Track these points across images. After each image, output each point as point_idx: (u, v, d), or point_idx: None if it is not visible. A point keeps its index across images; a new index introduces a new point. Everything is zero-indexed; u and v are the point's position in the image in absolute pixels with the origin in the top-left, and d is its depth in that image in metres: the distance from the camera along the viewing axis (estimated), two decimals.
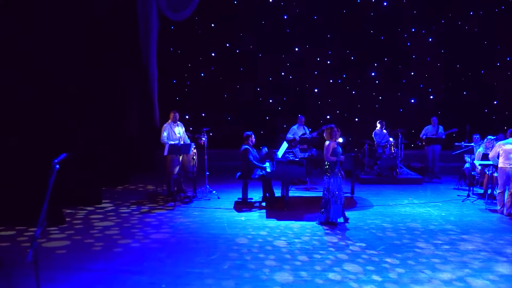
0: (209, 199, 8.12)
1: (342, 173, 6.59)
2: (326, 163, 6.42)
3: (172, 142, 7.95)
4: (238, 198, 8.10)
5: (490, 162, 7.80)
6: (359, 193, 8.68)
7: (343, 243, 5.69)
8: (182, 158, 8.15)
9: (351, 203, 7.84)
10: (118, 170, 9.41)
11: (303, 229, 6.25)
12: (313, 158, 7.98)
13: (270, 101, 13.37)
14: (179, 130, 8.23)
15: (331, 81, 13.25)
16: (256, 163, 7.67)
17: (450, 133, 10.60)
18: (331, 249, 5.49)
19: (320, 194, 8.76)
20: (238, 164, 8.08)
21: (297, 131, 9.98)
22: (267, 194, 7.93)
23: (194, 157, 8.19)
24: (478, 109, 12.85)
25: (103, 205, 7.60)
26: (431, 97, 13.19)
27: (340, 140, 12.33)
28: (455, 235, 6.01)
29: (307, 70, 13.18)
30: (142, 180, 9.86)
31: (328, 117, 13.11)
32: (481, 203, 7.88)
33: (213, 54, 13.25)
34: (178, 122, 8.34)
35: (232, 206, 7.62)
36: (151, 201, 8.04)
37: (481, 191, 8.53)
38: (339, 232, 6.15)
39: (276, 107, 13.33)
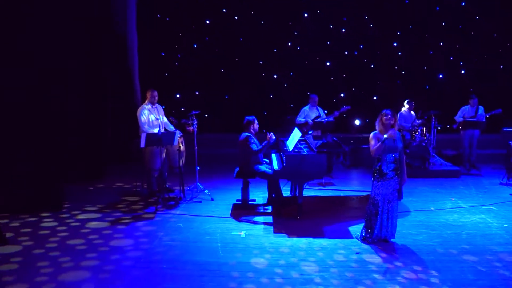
0: (200, 202, 6.41)
1: (405, 177, 4.81)
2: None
3: (152, 131, 6.21)
4: (237, 200, 6.42)
5: None
6: None
7: (390, 266, 4.04)
8: (166, 150, 6.43)
9: None
10: (88, 163, 7.67)
11: (331, 252, 4.55)
12: (331, 147, 6.24)
13: (275, 76, 11.52)
14: (158, 115, 6.46)
15: (346, 53, 11.36)
16: (261, 157, 5.94)
17: (493, 115, 8.74)
18: (377, 275, 3.92)
19: (341, 192, 7.19)
20: (237, 152, 6.37)
21: (309, 113, 8.18)
22: (273, 195, 6.23)
23: (181, 147, 6.44)
24: None
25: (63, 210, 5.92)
26: (463, 71, 11.32)
27: (357, 122, 10.61)
28: None
29: (318, 40, 11.27)
30: (119, 174, 8.11)
31: (342, 95, 11.33)
32: None
33: (207, 22, 11.32)
34: (157, 104, 6.54)
35: (229, 213, 5.91)
36: (126, 204, 6.34)
37: None
38: (380, 250, 4.48)
39: (282, 83, 11.47)
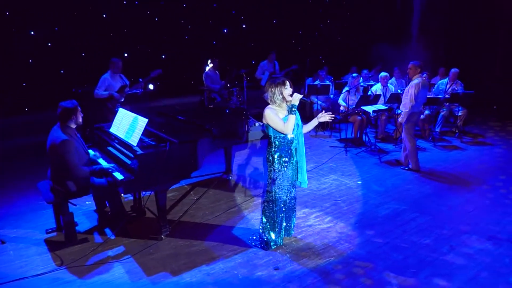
0: None
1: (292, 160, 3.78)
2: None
3: None
4: (48, 231, 4.15)
5: (380, 107, 6.65)
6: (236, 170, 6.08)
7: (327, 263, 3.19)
8: None
9: (239, 192, 5.21)
10: None
11: (247, 281, 3.31)
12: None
13: (32, 33, 8.34)
14: None
15: (125, 2, 9.27)
16: (95, 168, 3.88)
17: (289, 71, 8.90)
18: None
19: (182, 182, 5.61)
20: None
21: (112, 82, 6.12)
22: (109, 212, 4.31)
23: None
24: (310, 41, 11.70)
25: None
26: (244, 26, 11.16)
27: (151, 87, 9.11)
28: (420, 219, 4.41)
29: None
30: None
31: (125, 55, 9.34)
32: (365, 155, 6.74)
33: None
34: None
35: (51, 260, 3.68)
36: None
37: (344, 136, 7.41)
38: (294, 255, 3.53)
39: (43, 45, 8.46)
